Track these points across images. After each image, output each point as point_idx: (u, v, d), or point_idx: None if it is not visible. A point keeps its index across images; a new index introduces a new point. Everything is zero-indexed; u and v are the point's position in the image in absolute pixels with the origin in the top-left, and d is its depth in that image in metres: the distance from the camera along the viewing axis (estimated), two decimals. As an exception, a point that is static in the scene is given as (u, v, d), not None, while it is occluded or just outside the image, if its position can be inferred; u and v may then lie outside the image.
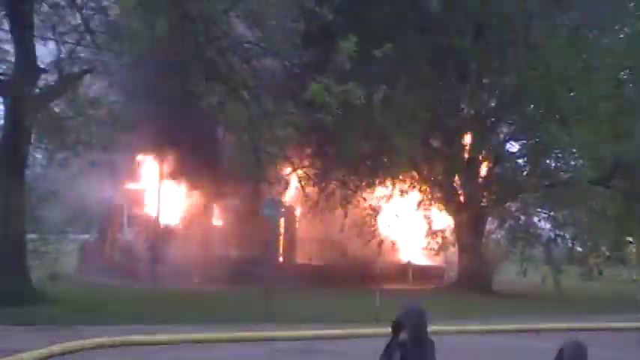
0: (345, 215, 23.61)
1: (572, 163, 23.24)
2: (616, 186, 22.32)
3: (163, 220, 24.16)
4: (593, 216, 22.74)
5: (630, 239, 25.19)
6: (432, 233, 24.99)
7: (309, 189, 22.51)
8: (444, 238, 24.56)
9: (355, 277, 23.25)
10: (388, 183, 24.01)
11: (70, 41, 15.37)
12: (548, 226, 23.64)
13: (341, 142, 21.85)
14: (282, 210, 17.29)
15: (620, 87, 21.03)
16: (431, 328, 4.10)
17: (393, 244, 26.26)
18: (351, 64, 13.13)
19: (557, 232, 23.20)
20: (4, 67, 15.82)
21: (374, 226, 24.64)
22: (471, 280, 22.17)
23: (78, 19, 14.71)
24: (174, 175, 23.62)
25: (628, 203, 22.06)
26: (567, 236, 23.41)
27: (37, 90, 15.29)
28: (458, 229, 23.51)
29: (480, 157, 23.50)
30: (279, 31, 13.37)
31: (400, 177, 23.93)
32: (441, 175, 23.97)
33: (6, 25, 15.31)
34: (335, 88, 12.53)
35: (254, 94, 13.36)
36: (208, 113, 14.34)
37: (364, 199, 24.03)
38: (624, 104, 20.06)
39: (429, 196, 24.56)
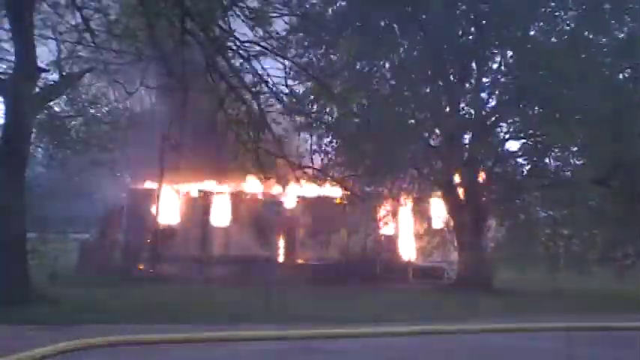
0: (345, 214, 23.64)
1: (572, 162, 23.24)
2: (616, 186, 22.30)
3: (163, 220, 24.18)
4: (593, 215, 22.72)
5: None
6: (432, 232, 25.01)
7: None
8: (443, 237, 24.59)
9: (355, 277, 23.26)
10: (388, 182, 23.98)
11: (70, 40, 15.37)
12: (547, 225, 23.59)
13: (341, 140, 21.87)
14: (282, 209, 17.33)
15: (619, 86, 21.00)
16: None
17: (393, 243, 26.28)
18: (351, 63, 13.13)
19: (557, 231, 23.14)
20: (5, 66, 15.83)
21: (374, 224, 24.66)
22: (470, 279, 22.16)
23: (78, 19, 14.72)
24: (173, 174, 23.62)
25: (628, 203, 22.03)
26: (566, 235, 23.37)
27: (37, 89, 15.29)
28: (458, 228, 23.51)
29: (480, 156, 23.49)
30: (280, 30, 13.39)
31: (400, 176, 23.91)
32: (440, 174, 23.96)
33: (6, 25, 15.31)
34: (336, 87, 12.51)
35: (254, 93, 13.34)
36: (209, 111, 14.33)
37: (364, 197, 24.02)
38: (624, 103, 20.02)
39: (429, 195, 24.55)
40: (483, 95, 23.39)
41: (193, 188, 25.31)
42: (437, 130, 23.98)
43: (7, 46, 15.81)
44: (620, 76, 21.74)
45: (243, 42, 12.35)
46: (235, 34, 12.36)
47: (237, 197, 25.05)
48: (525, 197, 23.40)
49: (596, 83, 19.48)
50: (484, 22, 22.08)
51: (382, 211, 24.99)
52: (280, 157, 15.08)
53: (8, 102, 15.33)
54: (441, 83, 22.93)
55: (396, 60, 23.27)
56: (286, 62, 13.56)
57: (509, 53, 22.93)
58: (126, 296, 16.68)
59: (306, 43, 20.49)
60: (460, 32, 22.74)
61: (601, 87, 19.54)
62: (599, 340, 11.12)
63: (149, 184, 25.11)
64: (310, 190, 23.33)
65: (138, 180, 25.83)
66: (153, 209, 24.07)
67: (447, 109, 23.21)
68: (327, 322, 12.74)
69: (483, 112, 23.27)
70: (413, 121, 23.31)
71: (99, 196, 23.66)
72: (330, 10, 21.88)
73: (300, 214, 25.29)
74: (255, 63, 12.86)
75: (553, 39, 21.64)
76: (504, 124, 23.83)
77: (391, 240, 26.46)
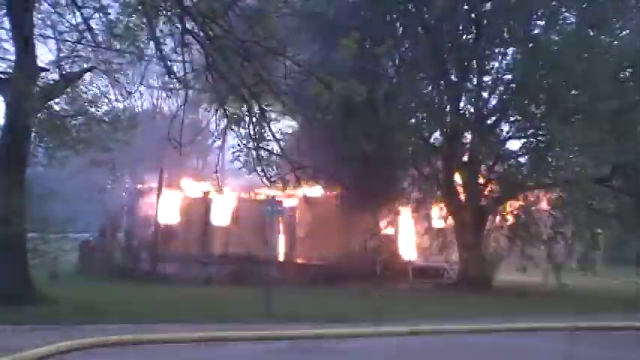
0: (345, 214, 23.62)
1: (573, 161, 23.19)
2: (617, 185, 22.27)
3: (163, 220, 24.18)
4: (594, 215, 22.68)
5: None
6: (433, 232, 24.98)
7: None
8: (444, 236, 24.55)
9: (355, 277, 23.23)
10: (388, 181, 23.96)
11: (70, 40, 15.34)
12: (548, 224, 23.54)
13: (342, 140, 21.83)
14: (282, 209, 17.26)
15: (621, 85, 20.96)
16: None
17: (393, 242, 26.26)
18: (352, 62, 13.09)
19: (558, 230, 23.11)
20: (5, 65, 15.78)
21: (374, 224, 24.65)
22: (471, 279, 22.16)
23: (78, 18, 14.68)
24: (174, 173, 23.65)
25: (629, 202, 22.00)
26: (567, 234, 23.32)
27: (38, 89, 15.24)
28: (458, 227, 23.48)
29: (481, 156, 23.47)
30: (280, 29, 13.35)
31: (400, 175, 23.91)
32: (441, 173, 23.95)
33: (6, 24, 15.28)
34: (336, 85, 12.44)
35: (253, 93, 13.31)
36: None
37: (363, 197, 24.02)
38: (625, 103, 19.99)
39: (430, 195, 24.52)
40: (484, 94, 23.36)
41: (194, 188, 25.30)
42: (437, 130, 23.96)
43: (7, 44, 15.78)
44: (622, 74, 21.69)
45: (244, 41, 12.31)
46: (235, 33, 12.32)
47: (237, 197, 25.04)
48: (526, 197, 23.37)
49: (598, 82, 19.45)
50: (484, 21, 22.04)
51: (382, 211, 24.96)
52: (281, 156, 15.06)
53: (8, 101, 15.29)
54: (441, 82, 22.91)
55: (397, 58, 23.28)
56: (287, 61, 13.49)
57: (510, 51, 22.93)
58: (126, 296, 16.67)
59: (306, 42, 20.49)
60: (460, 31, 22.71)
61: (603, 86, 19.51)
62: (599, 340, 11.12)
63: (149, 184, 25.10)
64: (311, 189, 23.32)
65: (138, 180, 25.81)
66: (153, 209, 24.07)
67: (448, 108, 23.18)
68: (327, 322, 12.76)
69: (484, 111, 23.25)
70: (413, 120, 23.31)
71: (99, 196, 23.61)
72: (330, 9, 21.87)
73: (300, 213, 25.26)
74: (255, 62, 12.82)
75: (554, 37, 21.60)
76: (505, 123, 23.83)
77: (391, 240, 26.42)
